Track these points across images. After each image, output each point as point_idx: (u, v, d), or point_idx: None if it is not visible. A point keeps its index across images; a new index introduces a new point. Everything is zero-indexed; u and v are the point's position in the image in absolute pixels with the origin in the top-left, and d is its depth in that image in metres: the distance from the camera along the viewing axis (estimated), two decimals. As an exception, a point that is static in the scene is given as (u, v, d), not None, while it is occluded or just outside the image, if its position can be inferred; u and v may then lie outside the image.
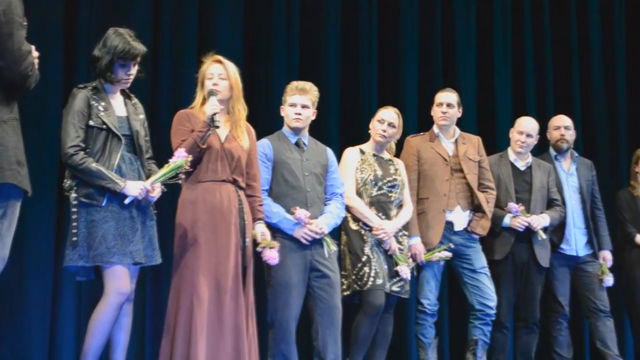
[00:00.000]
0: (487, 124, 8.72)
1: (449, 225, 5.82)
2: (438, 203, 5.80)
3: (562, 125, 6.59)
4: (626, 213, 6.86)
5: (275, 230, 4.96)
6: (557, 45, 9.24)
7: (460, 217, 5.86)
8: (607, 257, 6.52)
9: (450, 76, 8.62)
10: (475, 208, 5.89)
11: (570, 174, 6.55)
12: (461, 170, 5.90)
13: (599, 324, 6.42)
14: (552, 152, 6.60)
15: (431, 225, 5.76)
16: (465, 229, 5.86)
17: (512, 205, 6.03)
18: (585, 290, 6.42)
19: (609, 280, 6.43)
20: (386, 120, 5.64)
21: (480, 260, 5.88)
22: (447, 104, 5.98)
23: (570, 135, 6.59)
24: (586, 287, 6.42)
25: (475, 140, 6.11)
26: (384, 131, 5.62)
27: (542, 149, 6.82)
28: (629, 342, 8.72)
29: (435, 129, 6.03)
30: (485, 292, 5.83)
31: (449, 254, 5.72)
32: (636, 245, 6.77)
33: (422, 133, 6.05)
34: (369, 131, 5.72)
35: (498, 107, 8.81)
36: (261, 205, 4.84)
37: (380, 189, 5.53)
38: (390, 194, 5.55)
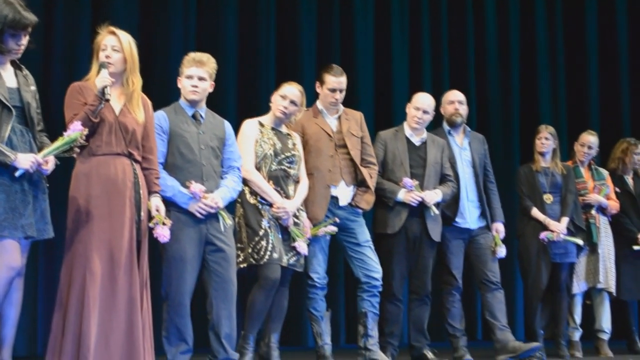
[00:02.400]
0: (383, 99, 8.83)
1: (334, 200, 5.85)
2: (323, 178, 5.81)
3: (456, 100, 6.68)
4: (524, 187, 7.00)
5: (170, 204, 4.91)
6: (452, 24, 9.39)
7: (344, 192, 5.89)
8: (499, 229, 6.63)
9: (348, 52, 8.69)
10: (359, 183, 5.94)
11: (464, 148, 6.64)
12: (345, 146, 5.92)
13: (488, 295, 6.55)
14: (446, 127, 6.67)
15: (316, 200, 5.77)
16: (350, 204, 5.90)
17: (407, 180, 6.10)
18: (478, 262, 6.53)
19: (502, 251, 6.54)
20: (289, 97, 5.61)
21: (364, 234, 5.94)
22: (339, 89, 5.96)
23: (464, 109, 6.69)
24: (478, 259, 6.53)
25: (358, 116, 6.12)
26: (285, 108, 5.59)
27: (436, 124, 6.91)
28: (519, 314, 9.00)
29: (318, 104, 6.02)
30: (370, 264, 5.89)
31: (334, 229, 5.76)
32: (532, 218, 6.91)
33: (305, 109, 6.05)
34: (270, 104, 5.68)
35: (395, 83, 8.91)
36: (157, 178, 4.78)
37: (279, 163, 5.52)
38: (289, 169, 5.56)
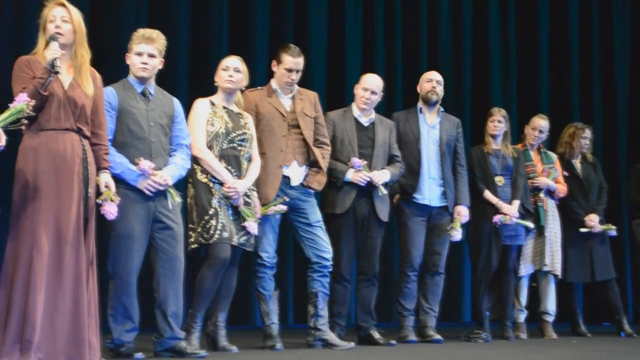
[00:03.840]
0: (336, 80, 8.85)
1: (286, 179, 5.84)
2: (275, 158, 5.81)
3: (435, 79, 6.74)
4: (476, 169, 7.02)
5: (118, 181, 4.84)
6: (406, 7, 9.43)
7: (296, 172, 5.89)
8: (462, 212, 6.64)
9: (302, 33, 8.68)
10: (311, 163, 5.94)
11: (433, 127, 6.67)
12: (298, 126, 5.91)
13: (428, 277, 6.64)
14: (419, 105, 6.72)
15: (268, 179, 5.76)
16: (302, 184, 5.90)
17: (355, 160, 6.12)
18: (429, 242, 6.59)
19: (457, 235, 6.57)
20: (230, 66, 5.59)
21: (315, 214, 5.95)
22: (296, 70, 5.92)
23: (440, 90, 6.72)
24: (430, 239, 6.59)
25: (312, 96, 6.11)
26: (231, 77, 5.57)
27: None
28: (466, 295, 9.10)
29: (273, 84, 6.00)
30: (321, 244, 5.90)
31: (284, 207, 5.75)
32: (483, 200, 6.95)
33: (259, 87, 6.02)
34: (215, 83, 5.65)
35: (348, 63, 8.93)
36: (107, 153, 4.71)
37: (231, 142, 5.50)
38: (240, 148, 5.54)
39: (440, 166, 6.61)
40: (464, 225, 6.65)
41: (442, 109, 6.78)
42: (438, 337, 6.50)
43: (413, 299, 6.56)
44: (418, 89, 6.80)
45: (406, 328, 6.45)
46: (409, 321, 6.49)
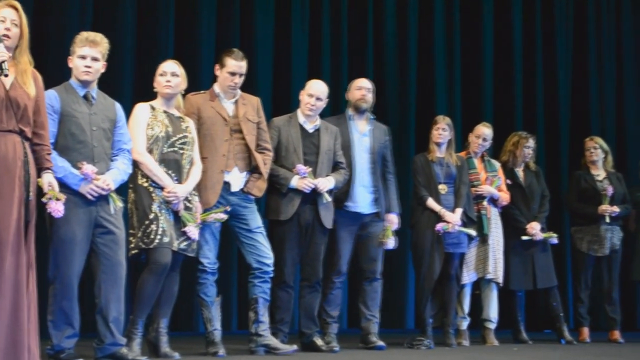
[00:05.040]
0: (282, 86, 8.85)
1: (226, 185, 5.82)
2: (217, 163, 5.78)
3: (365, 87, 6.72)
4: (420, 177, 7.04)
5: (60, 185, 4.76)
6: (352, 15, 9.46)
7: (237, 178, 5.87)
8: (393, 220, 6.70)
9: (248, 37, 8.67)
10: (253, 169, 5.93)
11: (364, 134, 6.68)
12: (240, 131, 5.89)
13: (366, 284, 6.67)
14: (349, 112, 6.72)
15: (209, 185, 5.74)
16: (242, 190, 5.88)
17: (300, 167, 6.12)
18: (363, 250, 6.62)
19: (391, 242, 6.63)
20: (167, 71, 5.57)
21: (255, 220, 5.93)
22: (239, 74, 5.92)
23: (370, 97, 6.73)
24: (364, 246, 6.62)
25: (255, 101, 6.10)
26: (169, 82, 5.55)
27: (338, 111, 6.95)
28: (410, 303, 9.14)
29: (216, 88, 5.98)
30: (262, 250, 5.89)
31: (224, 216, 5.73)
32: (427, 208, 6.97)
33: (202, 92, 5.99)
34: (154, 89, 5.62)
35: (294, 69, 8.93)
36: (49, 154, 4.63)
37: (171, 146, 5.47)
38: (181, 152, 5.51)
39: (372, 174, 6.64)
40: (397, 233, 6.68)
41: (372, 117, 6.79)
42: (381, 343, 6.52)
43: (337, 305, 6.58)
44: (347, 97, 6.80)
45: (329, 335, 6.45)
46: (333, 328, 6.50)
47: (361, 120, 6.72)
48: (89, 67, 5.02)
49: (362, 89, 6.71)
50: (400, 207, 6.79)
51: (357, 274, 6.77)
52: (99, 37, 5.09)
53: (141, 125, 5.45)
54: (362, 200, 6.56)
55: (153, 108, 5.56)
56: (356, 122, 6.70)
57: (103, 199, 4.96)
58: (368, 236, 6.63)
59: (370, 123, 6.76)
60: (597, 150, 8.08)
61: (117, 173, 5.05)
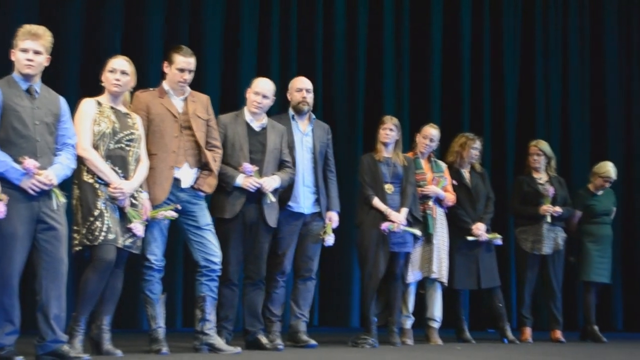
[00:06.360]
0: (230, 83, 8.83)
1: (176, 182, 5.79)
2: (166, 160, 5.75)
3: (304, 88, 6.72)
4: (366, 176, 7.06)
5: (1, 180, 4.73)
6: (302, 8, 9.47)
7: (187, 175, 5.84)
8: (333, 217, 6.73)
9: (196, 34, 8.64)
10: (203, 166, 5.91)
11: (306, 134, 6.70)
12: (190, 128, 5.87)
13: (300, 282, 6.71)
14: (291, 111, 6.72)
15: (158, 181, 5.71)
16: (192, 187, 5.86)
17: (247, 166, 6.11)
18: (301, 248, 6.64)
19: (330, 240, 6.66)
20: (117, 69, 5.52)
21: (205, 217, 5.92)
22: (188, 70, 5.88)
23: (311, 98, 6.74)
24: (302, 245, 6.64)
25: (205, 99, 6.08)
26: (118, 80, 5.50)
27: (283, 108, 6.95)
28: (355, 301, 9.17)
29: (165, 85, 5.94)
30: (210, 248, 5.88)
31: (174, 214, 5.71)
32: (373, 207, 6.98)
33: (151, 89, 5.96)
34: (101, 83, 5.56)
35: (242, 67, 8.91)
36: (-10, 151, 4.61)
37: (118, 142, 5.42)
38: (128, 148, 5.46)
39: (314, 173, 6.67)
40: (342, 232, 6.71)
41: (313, 116, 6.81)
42: (312, 342, 6.54)
43: (281, 304, 6.59)
44: (288, 97, 6.79)
45: (273, 333, 6.44)
46: (277, 327, 6.50)
47: (303, 121, 6.73)
48: (31, 60, 4.94)
49: (302, 90, 6.72)
50: (339, 206, 6.80)
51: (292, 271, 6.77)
52: (41, 30, 5.01)
53: (87, 121, 5.39)
54: (305, 201, 6.59)
55: (100, 104, 5.50)
56: (298, 122, 6.71)
57: (45, 194, 4.89)
58: (307, 234, 6.65)
59: (312, 122, 6.77)
60: (541, 157, 8.19)
61: (61, 168, 4.99)
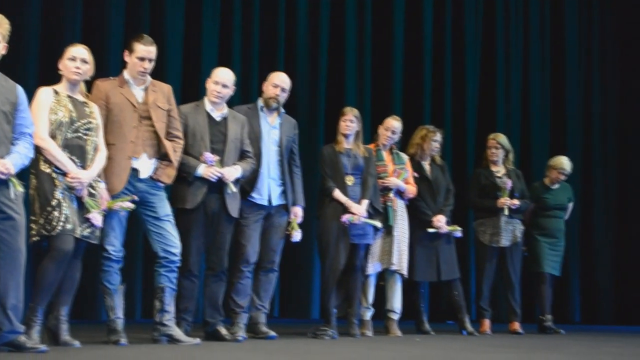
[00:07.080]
0: (192, 72, 8.79)
1: (135, 172, 5.75)
2: (124, 150, 5.71)
3: (281, 86, 6.68)
4: (327, 168, 7.06)
5: (-42, 170, 4.69)
6: (264, 5, 9.46)
7: (146, 165, 5.80)
8: (298, 212, 6.74)
9: (158, 24, 8.59)
10: (162, 156, 5.87)
11: (274, 127, 6.68)
12: (149, 118, 5.82)
13: (262, 273, 6.70)
14: (260, 103, 6.71)
15: (116, 171, 5.67)
16: (151, 177, 5.83)
17: (208, 155, 6.08)
18: (264, 240, 6.60)
19: (297, 235, 6.69)
20: (77, 57, 5.47)
21: (164, 208, 5.89)
22: (149, 59, 5.80)
23: (284, 97, 6.70)
24: (265, 236, 6.61)
25: (166, 89, 6.03)
26: (78, 68, 5.45)
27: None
28: (315, 293, 9.19)
29: (125, 74, 5.89)
30: (169, 239, 5.85)
31: (131, 205, 5.67)
32: (333, 199, 6.99)
33: (111, 78, 5.91)
34: (59, 71, 5.50)
35: (204, 56, 8.89)
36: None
37: (75, 131, 5.38)
38: (85, 137, 5.42)
39: (280, 166, 6.66)
40: (302, 224, 6.72)
41: (283, 110, 6.79)
42: (272, 333, 6.54)
43: (246, 295, 6.55)
44: (263, 87, 6.77)
45: (237, 325, 6.42)
46: (242, 318, 6.47)
47: (272, 113, 6.72)
48: (-13, 49, 4.89)
49: (277, 87, 6.69)
50: (304, 200, 6.80)
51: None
52: (-4, 17, 4.96)
53: (44, 110, 5.33)
54: (271, 193, 6.57)
55: (57, 92, 5.44)
56: (266, 114, 6.69)
57: (3, 183, 4.83)
58: (271, 226, 6.64)
59: (280, 116, 6.76)
60: (499, 151, 8.25)
61: (18, 157, 4.93)
